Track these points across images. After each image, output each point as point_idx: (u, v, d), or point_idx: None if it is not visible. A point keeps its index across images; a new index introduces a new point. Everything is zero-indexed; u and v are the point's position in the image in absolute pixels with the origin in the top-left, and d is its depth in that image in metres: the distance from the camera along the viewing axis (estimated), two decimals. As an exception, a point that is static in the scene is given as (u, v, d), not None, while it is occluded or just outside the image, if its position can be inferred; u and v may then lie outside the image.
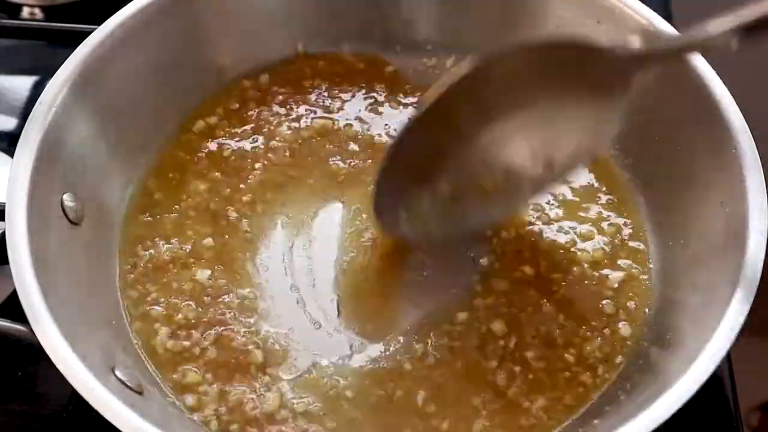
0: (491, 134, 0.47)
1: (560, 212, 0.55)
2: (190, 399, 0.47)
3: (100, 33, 0.53)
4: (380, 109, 0.61)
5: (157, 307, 0.51)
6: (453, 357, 0.49)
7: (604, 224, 0.55)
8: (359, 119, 0.60)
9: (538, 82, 0.45)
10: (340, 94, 0.61)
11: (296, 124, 0.59)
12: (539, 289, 0.52)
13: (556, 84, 0.45)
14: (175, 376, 0.48)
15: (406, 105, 0.61)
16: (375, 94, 0.62)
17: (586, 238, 0.54)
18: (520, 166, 0.49)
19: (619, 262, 0.53)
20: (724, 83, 0.51)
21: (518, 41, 0.46)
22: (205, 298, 0.51)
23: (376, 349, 0.50)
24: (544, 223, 0.55)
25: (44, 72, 0.71)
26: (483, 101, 0.45)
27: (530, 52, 0.45)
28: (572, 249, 0.54)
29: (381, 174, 0.47)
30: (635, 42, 0.44)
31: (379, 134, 0.59)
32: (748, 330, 0.42)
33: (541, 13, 0.60)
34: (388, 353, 0.49)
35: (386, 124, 0.60)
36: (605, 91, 0.45)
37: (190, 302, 0.51)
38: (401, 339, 0.50)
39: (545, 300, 0.51)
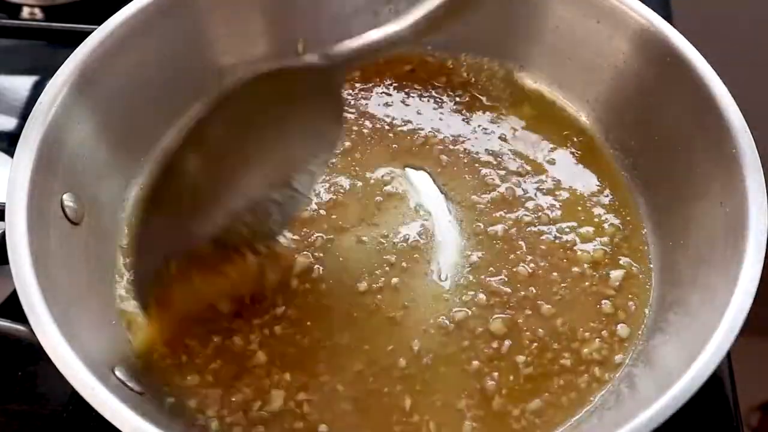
0: (229, 173, 0.47)
1: (560, 213, 0.55)
2: (190, 400, 0.47)
3: (100, 33, 0.53)
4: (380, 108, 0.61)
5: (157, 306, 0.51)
6: (445, 357, 0.49)
7: (605, 224, 0.55)
8: (359, 120, 0.60)
9: (261, 110, 0.46)
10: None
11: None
12: (538, 290, 0.52)
13: (276, 108, 0.46)
14: (175, 376, 0.48)
15: (408, 104, 0.61)
16: (377, 94, 0.62)
17: (585, 238, 0.54)
18: (264, 195, 0.49)
19: (619, 262, 0.53)
20: (724, 83, 0.51)
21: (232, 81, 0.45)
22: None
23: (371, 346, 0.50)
24: (543, 224, 0.55)
25: (44, 72, 0.71)
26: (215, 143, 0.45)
27: (249, 86, 0.44)
28: (572, 249, 0.54)
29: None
30: (313, 57, 0.45)
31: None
32: (748, 330, 0.42)
33: (540, 13, 0.60)
34: (382, 351, 0.49)
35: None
36: (319, 102, 0.47)
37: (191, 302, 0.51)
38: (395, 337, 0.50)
39: (543, 301, 0.51)
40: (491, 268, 0.52)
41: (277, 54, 0.62)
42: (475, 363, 0.49)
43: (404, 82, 0.63)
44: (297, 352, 0.49)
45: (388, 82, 0.62)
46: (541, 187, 0.56)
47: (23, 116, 0.68)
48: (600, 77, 0.59)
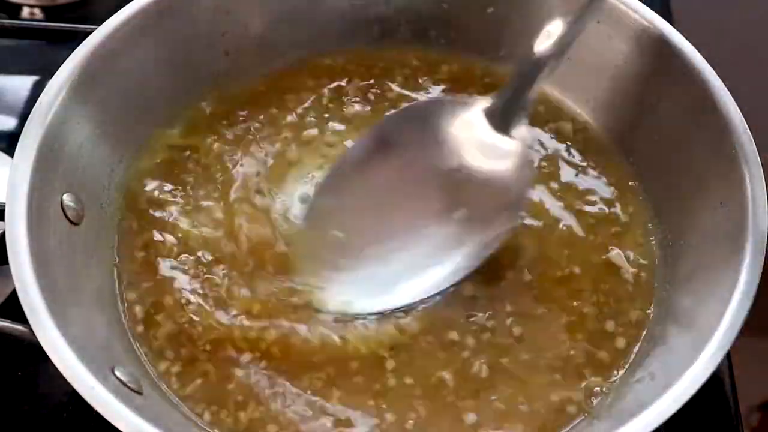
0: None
1: (559, 213, 0.55)
2: (190, 399, 0.47)
3: (100, 33, 0.53)
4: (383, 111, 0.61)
5: (156, 307, 0.51)
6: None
7: (605, 224, 0.55)
8: (360, 121, 0.60)
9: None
10: (342, 96, 0.61)
11: (296, 123, 0.60)
12: (535, 294, 0.52)
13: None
14: (175, 376, 0.48)
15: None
16: (378, 95, 0.62)
17: (585, 238, 0.54)
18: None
19: (619, 262, 0.53)
20: (724, 83, 0.51)
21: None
22: (207, 299, 0.51)
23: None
24: (542, 225, 0.55)
25: (44, 72, 0.71)
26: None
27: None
28: (571, 250, 0.54)
29: None
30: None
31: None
32: (748, 330, 0.42)
33: (539, 13, 0.60)
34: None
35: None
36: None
37: (191, 302, 0.51)
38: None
39: (541, 304, 0.51)
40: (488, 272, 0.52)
41: (277, 54, 0.63)
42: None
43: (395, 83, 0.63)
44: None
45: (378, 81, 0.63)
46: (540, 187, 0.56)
47: (23, 116, 0.67)
48: (600, 77, 0.59)
